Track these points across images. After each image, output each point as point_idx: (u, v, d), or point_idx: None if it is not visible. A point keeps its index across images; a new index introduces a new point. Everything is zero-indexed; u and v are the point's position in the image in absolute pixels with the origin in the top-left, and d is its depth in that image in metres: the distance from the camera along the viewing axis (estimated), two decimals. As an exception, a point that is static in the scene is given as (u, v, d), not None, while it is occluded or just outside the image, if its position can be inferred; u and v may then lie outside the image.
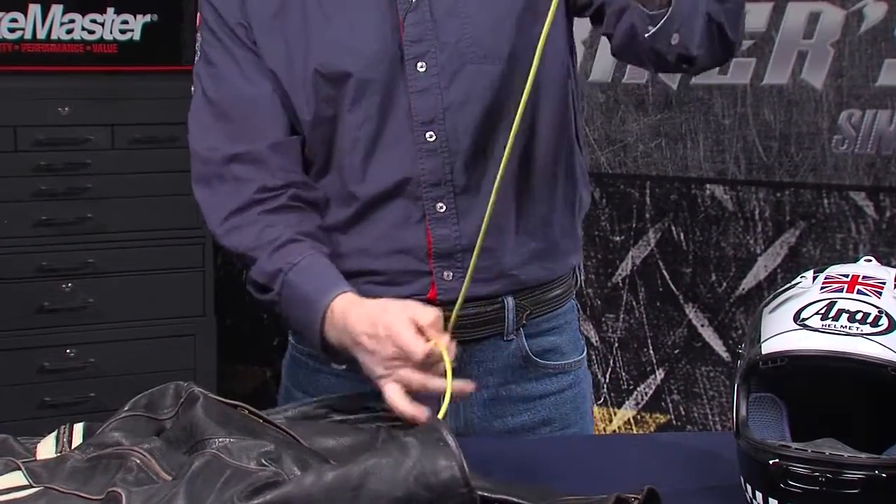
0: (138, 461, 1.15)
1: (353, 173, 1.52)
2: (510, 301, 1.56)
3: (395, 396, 1.37)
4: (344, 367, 1.51)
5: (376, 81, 1.49)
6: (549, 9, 1.35)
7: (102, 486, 1.12)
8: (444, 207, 1.52)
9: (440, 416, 1.34)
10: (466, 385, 1.40)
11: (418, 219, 1.52)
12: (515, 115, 1.39)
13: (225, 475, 1.09)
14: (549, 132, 1.56)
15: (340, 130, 1.52)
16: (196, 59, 1.58)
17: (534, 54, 1.37)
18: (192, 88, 1.58)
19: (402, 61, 1.50)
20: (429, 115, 1.50)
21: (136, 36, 3.08)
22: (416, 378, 1.36)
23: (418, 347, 1.35)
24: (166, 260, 3.06)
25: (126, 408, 1.26)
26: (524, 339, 1.59)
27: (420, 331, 1.36)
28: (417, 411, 1.36)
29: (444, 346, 1.36)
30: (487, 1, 1.51)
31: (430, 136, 1.51)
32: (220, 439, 1.17)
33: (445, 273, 1.53)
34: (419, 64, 1.50)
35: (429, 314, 1.37)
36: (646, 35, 1.44)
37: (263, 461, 1.13)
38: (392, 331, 1.36)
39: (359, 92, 1.50)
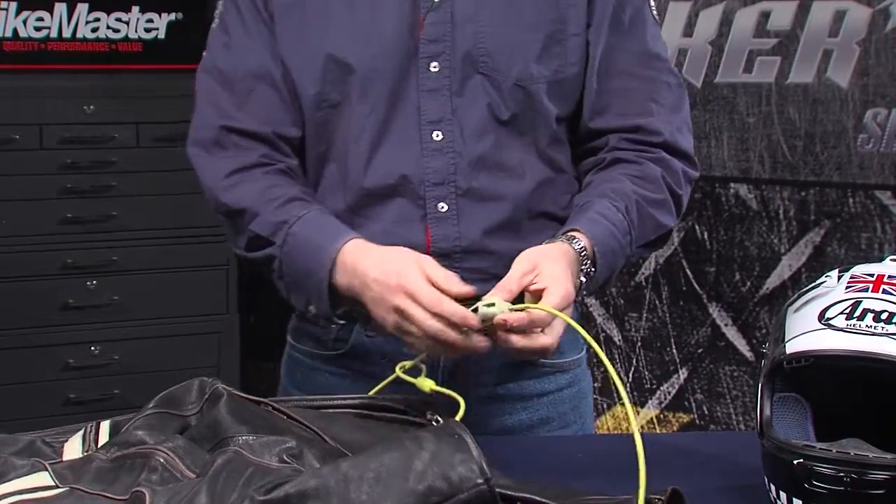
0: (162, 460, 1.15)
1: (357, 164, 1.53)
2: None
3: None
4: (342, 323, 1.51)
5: (386, 73, 1.50)
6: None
7: (127, 485, 1.12)
8: (446, 207, 1.52)
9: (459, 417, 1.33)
10: (471, 319, 1.36)
11: (419, 217, 1.53)
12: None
13: (247, 473, 1.10)
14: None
15: (346, 118, 1.52)
16: (213, 24, 1.59)
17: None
18: (204, 53, 1.59)
19: (417, 58, 1.51)
20: (437, 115, 1.51)
21: (161, 34, 3.09)
22: (433, 325, 1.34)
23: (426, 294, 1.34)
24: (190, 258, 3.07)
25: (150, 405, 1.27)
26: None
27: (431, 282, 1.36)
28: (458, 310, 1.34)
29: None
30: (511, 18, 1.52)
31: (437, 136, 1.51)
32: (243, 437, 1.18)
33: None
34: (432, 64, 1.51)
35: (440, 270, 1.37)
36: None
37: (285, 458, 1.13)
38: (402, 278, 1.36)
39: (367, 81, 1.50)
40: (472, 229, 1.53)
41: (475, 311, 1.34)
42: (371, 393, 1.44)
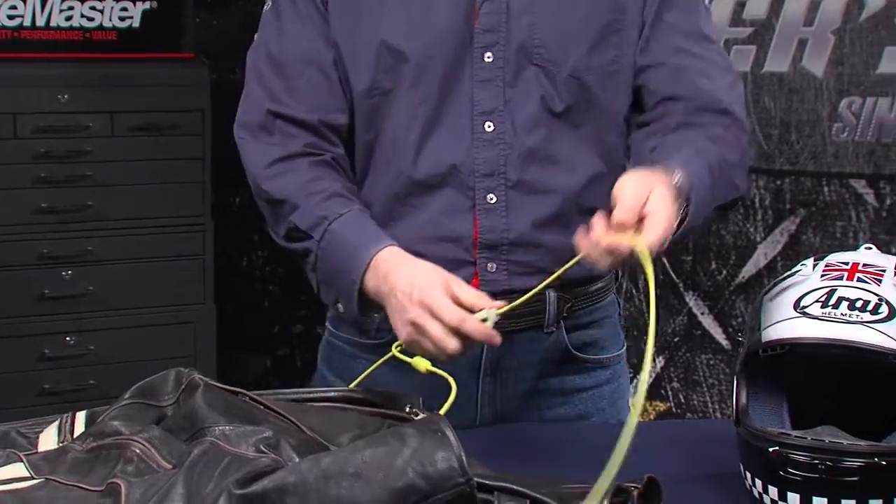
0: (138, 451, 1.15)
1: (407, 153, 1.51)
2: (552, 294, 1.55)
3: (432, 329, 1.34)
4: (362, 316, 1.50)
5: (440, 62, 1.49)
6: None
7: (103, 477, 1.11)
8: (495, 199, 1.51)
9: (443, 411, 1.33)
10: (495, 336, 1.35)
11: (468, 208, 1.51)
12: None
13: (223, 463, 1.09)
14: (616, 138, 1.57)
15: (397, 106, 1.51)
16: (266, 7, 1.57)
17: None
18: (256, 35, 1.57)
19: (471, 48, 1.49)
20: (489, 106, 1.50)
21: (136, 23, 3.06)
22: (438, 333, 1.33)
23: (448, 312, 1.33)
24: (166, 247, 3.05)
25: (126, 395, 1.26)
26: (564, 332, 1.58)
27: (456, 301, 1.35)
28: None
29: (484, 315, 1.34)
30: (566, 8, 1.50)
31: (489, 127, 1.50)
32: (220, 427, 1.17)
33: (489, 265, 1.53)
34: (486, 54, 1.49)
35: (469, 291, 1.36)
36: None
37: (262, 448, 1.13)
38: (425, 294, 1.35)
39: (421, 69, 1.49)
40: (521, 222, 1.51)
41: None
42: (368, 371, 1.45)
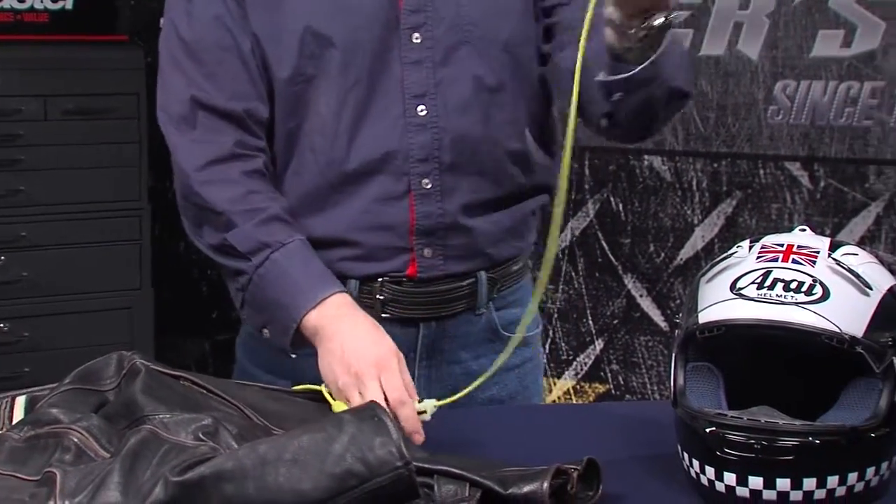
0: (76, 440, 1.14)
1: (339, 140, 1.48)
2: (483, 276, 1.56)
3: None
4: (293, 356, 1.46)
5: (367, 45, 1.46)
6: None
7: (40, 466, 1.10)
8: (430, 184, 1.50)
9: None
10: (418, 435, 1.32)
11: (402, 194, 1.50)
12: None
13: (161, 451, 1.08)
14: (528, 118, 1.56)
15: (323, 93, 1.47)
16: None
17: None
18: (163, 19, 1.52)
19: (398, 30, 1.47)
20: (420, 89, 1.48)
21: (69, 5, 3.01)
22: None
23: (399, 390, 1.32)
24: (102, 232, 3.01)
25: (67, 380, 1.24)
26: (493, 312, 1.59)
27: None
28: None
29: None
30: None
31: (422, 111, 1.48)
32: (159, 415, 1.16)
33: (426, 250, 1.52)
34: (414, 35, 1.47)
35: (407, 375, 1.34)
36: (595, 77, 1.37)
37: (201, 435, 1.12)
38: (384, 359, 1.34)
39: (349, 54, 1.46)
40: (456, 205, 1.51)
41: None
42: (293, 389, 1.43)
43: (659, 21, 1.31)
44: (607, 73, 1.36)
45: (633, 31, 1.31)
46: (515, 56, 1.51)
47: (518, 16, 1.50)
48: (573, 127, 1.30)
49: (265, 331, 1.47)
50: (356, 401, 1.32)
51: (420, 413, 1.32)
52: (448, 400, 1.36)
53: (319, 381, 1.37)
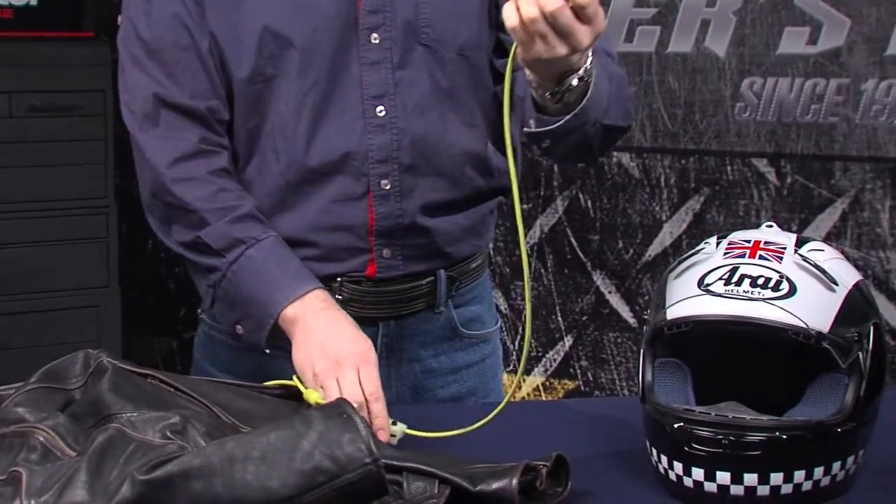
0: (42, 439, 1.13)
1: (298, 140, 1.48)
2: (443, 274, 1.56)
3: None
4: (267, 351, 1.47)
5: (327, 45, 1.46)
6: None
7: (5, 465, 1.09)
8: (389, 185, 1.50)
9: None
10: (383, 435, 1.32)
11: (361, 195, 1.50)
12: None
13: (128, 450, 1.08)
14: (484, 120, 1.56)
15: (283, 92, 1.47)
16: None
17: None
18: (121, 17, 1.51)
19: (357, 30, 1.47)
20: (379, 90, 1.48)
21: (34, 1, 2.99)
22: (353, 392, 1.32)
23: (374, 384, 1.33)
24: (68, 230, 3.00)
25: (32, 379, 1.23)
26: (452, 309, 1.59)
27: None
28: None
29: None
30: None
31: (381, 111, 1.48)
32: (126, 413, 1.15)
33: (385, 251, 1.52)
34: (373, 35, 1.47)
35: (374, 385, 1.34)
36: (523, 128, 1.40)
37: (168, 434, 1.12)
38: (365, 353, 1.35)
39: (308, 54, 1.46)
40: (414, 206, 1.51)
41: None
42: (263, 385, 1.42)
43: (574, 83, 1.31)
44: (534, 125, 1.38)
45: (548, 94, 1.32)
46: (471, 61, 1.51)
47: (475, 21, 1.51)
48: (511, 158, 1.31)
49: (238, 327, 1.47)
50: (331, 387, 1.32)
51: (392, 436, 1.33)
52: (419, 433, 1.34)
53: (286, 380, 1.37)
